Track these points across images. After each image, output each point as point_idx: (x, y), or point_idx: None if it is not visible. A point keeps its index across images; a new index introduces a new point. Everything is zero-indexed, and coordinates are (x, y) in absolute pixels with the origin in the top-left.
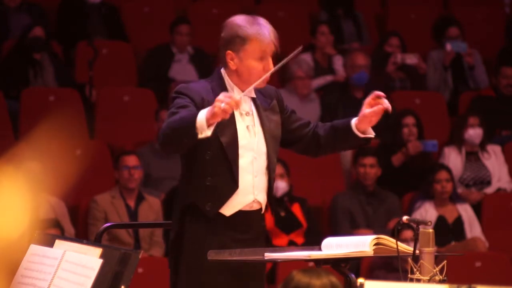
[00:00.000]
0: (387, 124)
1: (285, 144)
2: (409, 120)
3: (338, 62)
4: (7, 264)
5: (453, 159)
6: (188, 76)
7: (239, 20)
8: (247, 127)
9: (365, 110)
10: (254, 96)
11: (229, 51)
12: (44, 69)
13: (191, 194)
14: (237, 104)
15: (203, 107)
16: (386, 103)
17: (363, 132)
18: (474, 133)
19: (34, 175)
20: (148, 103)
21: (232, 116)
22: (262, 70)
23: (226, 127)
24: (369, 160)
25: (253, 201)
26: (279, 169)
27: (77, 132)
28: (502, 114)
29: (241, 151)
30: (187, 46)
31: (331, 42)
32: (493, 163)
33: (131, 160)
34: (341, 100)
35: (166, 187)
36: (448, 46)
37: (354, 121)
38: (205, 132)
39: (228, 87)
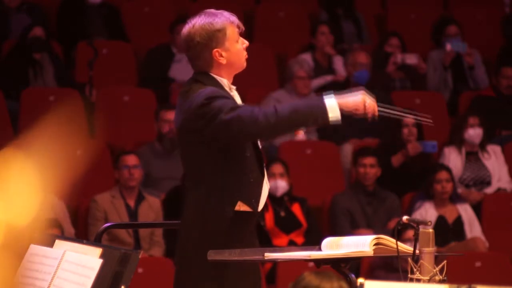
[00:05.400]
0: (387, 124)
1: None
2: (409, 120)
3: (338, 62)
4: (17, 251)
5: (453, 159)
6: (188, 76)
7: (202, 20)
8: None
9: None
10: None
11: (215, 50)
12: (44, 69)
13: (237, 192)
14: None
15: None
16: None
17: None
18: (474, 133)
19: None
20: (148, 103)
21: None
22: (243, 50)
23: None
24: (369, 160)
25: (267, 192)
26: (279, 169)
27: (77, 132)
28: (502, 114)
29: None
30: None
31: (331, 42)
32: (493, 163)
33: (131, 160)
34: None
35: (166, 187)
36: (448, 46)
37: None
38: (336, 116)
39: (224, 86)
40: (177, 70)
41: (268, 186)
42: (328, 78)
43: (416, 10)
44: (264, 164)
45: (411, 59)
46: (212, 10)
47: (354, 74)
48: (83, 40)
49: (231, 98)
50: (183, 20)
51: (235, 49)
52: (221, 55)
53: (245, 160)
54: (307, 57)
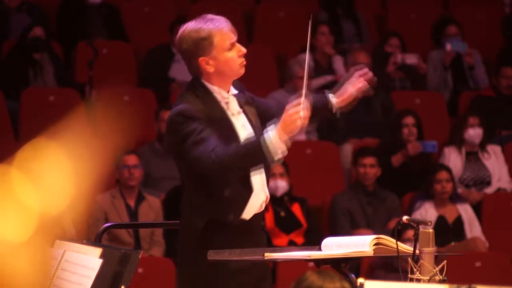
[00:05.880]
0: (387, 124)
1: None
2: (409, 120)
3: (338, 62)
4: (49, 239)
5: (453, 159)
6: (188, 76)
7: (191, 26)
8: (243, 125)
9: (351, 88)
10: (236, 92)
11: (201, 58)
12: (44, 69)
13: (212, 208)
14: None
15: (206, 125)
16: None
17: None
18: (474, 133)
19: (34, 175)
20: (148, 103)
21: (229, 121)
22: (237, 57)
23: (228, 134)
24: (369, 160)
25: (265, 198)
26: (279, 169)
27: (77, 132)
28: (502, 114)
29: None
30: None
31: (331, 42)
32: (493, 163)
33: (131, 159)
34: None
35: (166, 187)
36: (448, 46)
37: (333, 97)
38: (282, 152)
39: (214, 93)
40: (177, 70)
41: (267, 193)
42: (328, 78)
43: (416, 10)
44: (251, 172)
45: (411, 59)
46: (208, 16)
47: None
48: (83, 40)
49: (198, 120)
50: (183, 20)
51: (223, 58)
52: (207, 63)
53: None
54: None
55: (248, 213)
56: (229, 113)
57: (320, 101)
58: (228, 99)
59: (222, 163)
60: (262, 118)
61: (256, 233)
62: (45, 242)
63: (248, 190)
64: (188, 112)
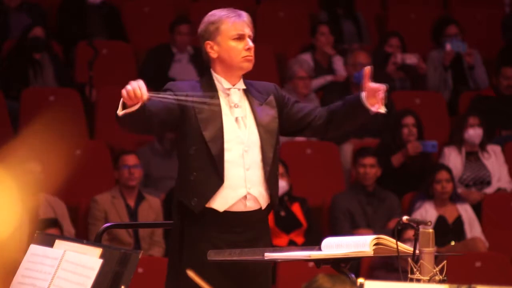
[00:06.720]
0: (387, 124)
1: (294, 132)
2: (409, 120)
3: (338, 62)
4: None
5: (453, 159)
6: (188, 76)
7: (210, 12)
8: (236, 119)
9: (369, 84)
10: (244, 87)
11: (207, 42)
12: (44, 69)
13: (179, 191)
14: (140, 96)
15: (186, 103)
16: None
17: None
18: (474, 133)
19: (34, 175)
20: None
21: (219, 110)
22: (242, 50)
23: (211, 121)
24: (369, 160)
25: (246, 195)
26: (279, 169)
27: (77, 132)
28: (502, 114)
29: (228, 145)
30: (187, 46)
31: (331, 42)
32: (493, 163)
33: (131, 159)
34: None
35: (166, 187)
36: (448, 46)
37: (363, 94)
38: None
39: (216, 82)
40: (177, 70)
41: (250, 191)
42: (328, 78)
43: (416, 10)
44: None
45: (411, 59)
46: (230, 8)
47: (354, 74)
48: (83, 40)
49: (173, 93)
50: (183, 20)
51: (226, 46)
52: (212, 48)
53: (188, 158)
54: (307, 57)
55: (220, 205)
56: (225, 102)
57: (352, 99)
58: (230, 91)
59: None
60: (293, 123)
61: (250, 229)
62: None
63: (218, 180)
64: (170, 85)
